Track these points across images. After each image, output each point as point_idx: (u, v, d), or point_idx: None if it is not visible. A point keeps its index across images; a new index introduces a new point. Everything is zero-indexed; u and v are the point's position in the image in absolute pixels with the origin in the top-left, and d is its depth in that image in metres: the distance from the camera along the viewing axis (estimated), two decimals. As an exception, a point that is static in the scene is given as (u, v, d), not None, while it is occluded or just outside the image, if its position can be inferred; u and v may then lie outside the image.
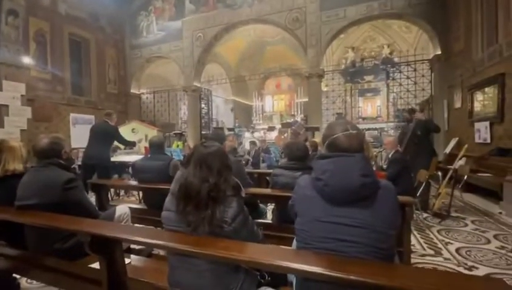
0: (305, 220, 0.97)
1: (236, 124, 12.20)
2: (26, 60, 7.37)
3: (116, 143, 4.63)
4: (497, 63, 4.87)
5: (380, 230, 0.87)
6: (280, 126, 10.71)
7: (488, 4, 5.35)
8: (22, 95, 7.21)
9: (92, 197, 3.16)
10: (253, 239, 1.17)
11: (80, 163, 5.08)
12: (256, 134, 10.46)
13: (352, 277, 0.71)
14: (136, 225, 2.75)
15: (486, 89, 5.34)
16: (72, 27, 8.68)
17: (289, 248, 0.98)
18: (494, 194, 4.20)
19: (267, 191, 2.10)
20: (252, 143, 7.06)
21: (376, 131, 9.63)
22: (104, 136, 3.98)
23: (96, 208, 1.78)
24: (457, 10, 6.37)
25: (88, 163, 3.83)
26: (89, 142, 3.96)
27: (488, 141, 5.18)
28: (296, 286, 1.00)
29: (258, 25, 9.44)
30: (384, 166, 3.57)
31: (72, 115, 8.63)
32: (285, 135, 9.97)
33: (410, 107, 5.11)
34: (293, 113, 12.69)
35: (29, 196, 1.54)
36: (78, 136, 8.24)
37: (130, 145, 4.63)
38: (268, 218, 2.48)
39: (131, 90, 10.86)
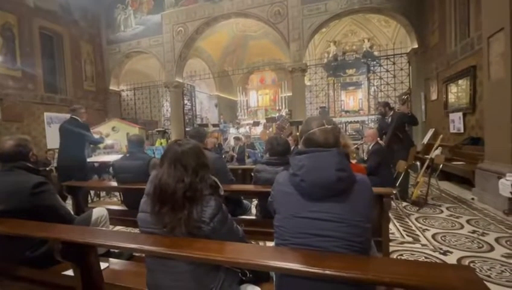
0: (283, 217, 0.96)
1: (221, 120, 12.08)
2: (-8, 56, 6.89)
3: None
4: (469, 56, 5.09)
5: (356, 224, 0.88)
6: (265, 121, 10.72)
7: (460, -1, 5.56)
8: (-12, 94, 6.75)
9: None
10: (233, 237, 1.16)
11: (56, 165, 4.81)
12: (241, 129, 10.41)
13: (327, 272, 0.71)
14: (117, 227, 2.67)
15: (460, 81, 5.58)
16: (43, 20, 8.17)
17: (267, 245, 0.97)
18: (467, 182, 4.43)
19: (250, 187, 2.09)
20: (237, 139, 7.02)
21: (358, 124, 9.85)
22: (74, 135, 3.65)
23: (71, 213, 1.70)
24: (432, 4, 6.57)
25: (63, 165, 3.61)
26: (60, 143, 3.70)
27: (462, 130, 5.44)
28: (275, 281, 1.00)
29: (240, 18, 9.32)
30: (366, 158, 3.66)
31: (46, 114, 8.19)
32: (270, 129, 10.01)
33: (384, 101, 5.25)
34: (278, 108, 12.72)
35: (-6, 203, 1.44)
36: (54, 136, 7.83)
37: (98, 142, 4.25)
38: (253, 213, 2.47)
39: (110, 87, 10.46)
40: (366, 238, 0.89)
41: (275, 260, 0.80)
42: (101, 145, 7.06)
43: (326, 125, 0.99)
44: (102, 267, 1.44)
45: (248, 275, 1.22)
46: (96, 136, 4.13)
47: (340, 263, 0.75)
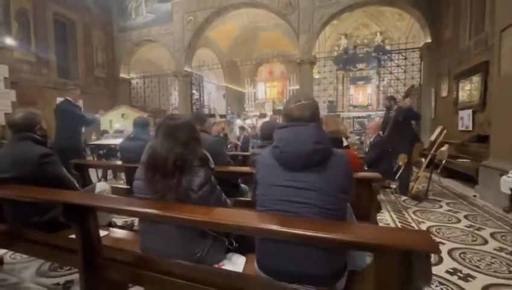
0: (263, 186, 1.03)
1: (229, 111, 12.15)
2: (8, 40, 7.11)
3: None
4: (482, 51, 4.94)
5: (330, 193, 0.94)
6: (272, 113, 10.72)
7: (477, -9, 5.36)
8: (5, 78, 7.00)
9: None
10: (220, 207, 1.23)
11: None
12: (247, 121, 10.47)
13: (297, 232, 0.78)
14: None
15: (471, 78, 5.43)
16: (56, 7, 8.35)
17: (249, 211, 1.04)
18: (471, 179, 4.38)
19: (246, 169, 2.17)
20: (241, 128, 7.09)
21: (365, 119, 9.74)
22: (68, 118, 3.57)
23: (76, 183, 1.81)
24: (448, -3, 6.36)
25: (56, 147, 3.62)
26: (56, 126, 3.64)
27: (470, 128, 5.34)
28: (256, 247, 1.07)
29: (250, 9, 9.25)
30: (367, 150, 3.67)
31: (58, 99, 8.41)
32: (277, 121, 10.01)
33: (390, 95, 5.18)
34: (285, 100, 12.66)
35: (5, 170, 1.55)
36: (66, 120, 8.09)
37: (93, 122, 4.12)
38: (249, 197, 2.55)
39: (121, 75, 10.64)
40: (339, 207, 0.95)
41: (253, 221, 0.87)
42: (110, 130, 7.28)
43: (303, 101, 1.05)
44: (102, 234, 1.56)
45: (234, 244, 1.29)
46: (93, 115, 3.99)
47: (308, 225, 0.81)
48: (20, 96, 7.30)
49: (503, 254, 2.15)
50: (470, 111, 5.36)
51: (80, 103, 5.88)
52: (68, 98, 3.70)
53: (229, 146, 6.92)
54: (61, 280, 1.81)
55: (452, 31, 6.24)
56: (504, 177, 3.06)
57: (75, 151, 3.60)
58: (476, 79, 5.22)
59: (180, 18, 9.32)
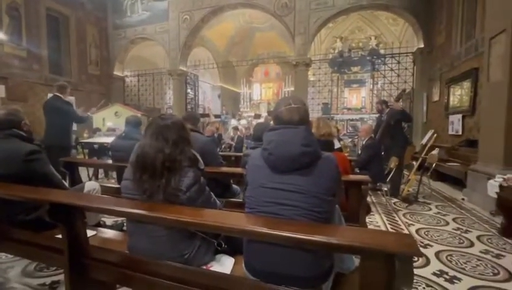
0: (252, 187, 1.04)
1: (224, 111, 12.12)
2: (-2, 34, 6.96)
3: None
4: (473, 57, 5.05)
5: (317, 195, 0.95)
6: (266, 114, 10.75)
7: (469, -2, 5.48)
8: (-6, 72, 6.85)
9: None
10: (209, 208, 1.23)
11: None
12: (242, 121, 10.47)
13: (282, 234, 0.78)
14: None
15: (461, 83, 5.55)
16: (49, 1, 8.20)
17: (237, 212, 1.04)
18: (460, 183, 4.47)
19: (238, 170, 2.17)
20: (235, 129, 7.08)
21: (359, 122, 9.86)
22: (58, 114, 3.46)
23: (64, 182, 1.78)
24: (441, 3, 6.49)
25: (47, 144, 3.36)
26: (45, 122, 3.57)
27: (460, 132, 5.44)
28: (243, 249, 1.07)
29: (246, 9, 9.26)
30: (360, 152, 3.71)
31: (50, 95, 8.27)
32: (271, 122, 10.04)
33: (382, 99, 5.25)
34: (276, 103, 12.70)
35: (-10, 167, 1.52)
36: (57, 117, 7.94)
37: (83, 121, 4.08)
38: (241, 198, 2.55)
39: (115, 72, 10.50)
40: (326, 209, 0.96)
41: (239, 223, 0.87)
42: (102, 128, 7.19)
43: (292, 105, 1.06)
44: (90, 234, 1.53)
45: (223, 245, 1.29)
46: (84, 113, 3.91)
47: (295, 227, 0.81)
48: (9, 92, 7.13)
49: (488, 257, 2.20)
50: (460, 116, 5.47)
51: (72, 99, 5.81)
52: (57, 93, 3.59)
53: (223, 146, 6.91)
54: (48, 281, 1.78)
55: (444, 37, 6.36)
56: (491, 181, 3.13)
57: (64, 148, 3.52)
58: (467, 85, 5.33)
59: (176, 16, 9.27)
